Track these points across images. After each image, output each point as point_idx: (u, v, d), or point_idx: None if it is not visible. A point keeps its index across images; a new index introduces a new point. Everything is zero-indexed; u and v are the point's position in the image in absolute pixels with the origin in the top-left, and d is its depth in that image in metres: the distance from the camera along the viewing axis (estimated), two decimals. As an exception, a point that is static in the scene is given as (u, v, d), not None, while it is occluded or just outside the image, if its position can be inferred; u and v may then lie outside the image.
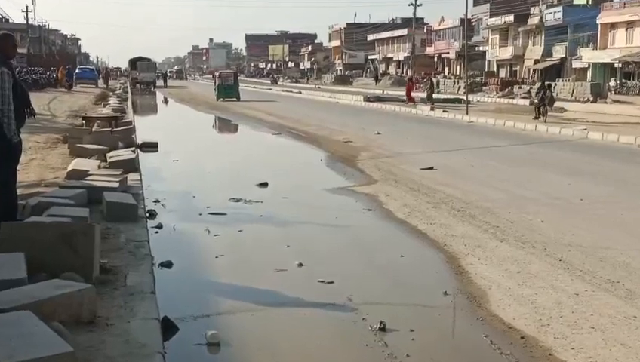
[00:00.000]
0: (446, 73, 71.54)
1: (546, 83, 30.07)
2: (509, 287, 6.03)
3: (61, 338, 3.54)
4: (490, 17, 67.07)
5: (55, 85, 48.00)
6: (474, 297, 5.83)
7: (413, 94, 37.20)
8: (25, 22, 74.33)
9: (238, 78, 46.44)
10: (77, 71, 56.12)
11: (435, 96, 37.80)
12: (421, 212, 9.22)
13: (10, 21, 64.71)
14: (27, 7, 76.37)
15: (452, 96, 42.53)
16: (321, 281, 6.22)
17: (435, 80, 43.56)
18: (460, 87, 50.93)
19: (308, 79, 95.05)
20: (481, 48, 68.35)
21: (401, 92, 48.37)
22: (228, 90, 41.38)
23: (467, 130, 22.68)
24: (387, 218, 9.07)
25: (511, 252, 7.16)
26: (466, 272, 6.53)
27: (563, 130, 20.97)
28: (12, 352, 3.28)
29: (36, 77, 43.60)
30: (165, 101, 43.76)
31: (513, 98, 41.73)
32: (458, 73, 67.11)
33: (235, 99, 40.35)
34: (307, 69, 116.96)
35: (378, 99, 39.09)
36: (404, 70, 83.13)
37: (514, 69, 64.56)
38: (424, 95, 38.07)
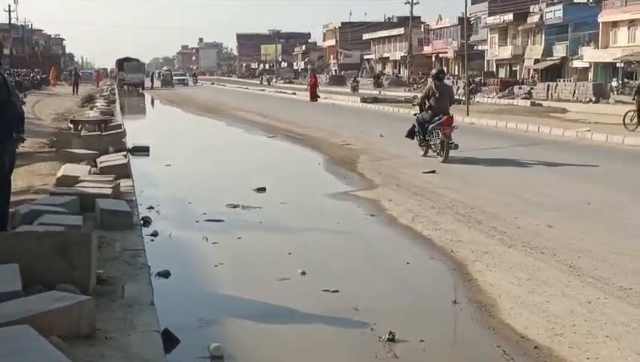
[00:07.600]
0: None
1: None
2: (519, 295, 6.02)
3: (62, 354, 3.51)
4: (488, 16, 67.28)
5: (39, 87, 47.99)
6: (484, 306, 5.82)
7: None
8: (7, 22, 74.22)
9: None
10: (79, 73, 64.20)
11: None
12: (425, 217, 9.20)
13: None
14: (10, 6, 76.11)
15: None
16: (326, 290, 6.19)
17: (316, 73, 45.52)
18: (459, 88, 50.97)
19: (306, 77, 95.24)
20: (479, 48, 68.49)
21: (399, 93, 48.48)
22: (167, 82, 74.00)
23: (469, 132, 22.57)
24: (391, 224, 9.05)
25: (519, 258, 7.14)
26: (475, 280, 6.51)
27: (567, 131, 20.97)
28: (11, 369, 3.25)
29: (20, 79, 43.56)
30: (153, 103, 44.91)
31: (513, 99, 41.75)
32: (457, 73, 67.24)
33: (171, 87, 70.63)
34: (301, 69, 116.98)
35: (375, 100, 39.51)
36: (401, 70, 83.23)
37: (514, 68, 64.78)
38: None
